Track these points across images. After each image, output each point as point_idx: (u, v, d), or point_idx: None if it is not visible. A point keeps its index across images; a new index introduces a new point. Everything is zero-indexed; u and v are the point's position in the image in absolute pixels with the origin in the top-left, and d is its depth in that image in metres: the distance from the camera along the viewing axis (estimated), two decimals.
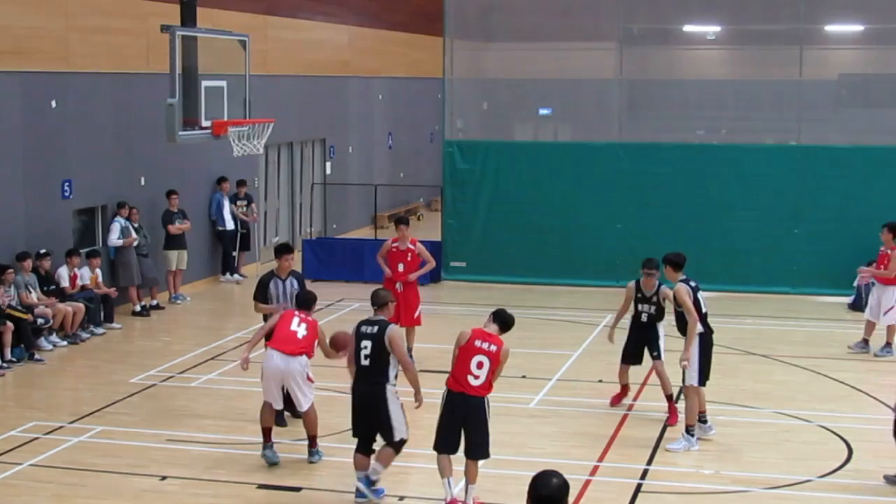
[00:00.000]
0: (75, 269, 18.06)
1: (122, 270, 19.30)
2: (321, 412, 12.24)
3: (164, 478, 11.54)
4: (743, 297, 20.78)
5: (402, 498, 11.04)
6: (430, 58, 31.75)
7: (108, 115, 19.51)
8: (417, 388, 10.83)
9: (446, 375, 10.64)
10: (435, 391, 10.89)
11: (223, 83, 15.49)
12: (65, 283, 17.85)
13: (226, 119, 15.38)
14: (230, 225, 22.73)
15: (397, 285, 15.90)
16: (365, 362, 10.76)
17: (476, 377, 10.37)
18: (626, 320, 14.01)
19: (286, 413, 13.10)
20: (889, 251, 16.76)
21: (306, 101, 26.38)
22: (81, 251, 18.45)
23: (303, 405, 11.85)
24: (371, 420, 10.82)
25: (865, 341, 17.04)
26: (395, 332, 10.85)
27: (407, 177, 32.46)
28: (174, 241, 20.69)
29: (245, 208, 23.09)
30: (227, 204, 22.69)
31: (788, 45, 22.32)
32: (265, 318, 12.95)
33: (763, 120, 24.38)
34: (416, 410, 10.94)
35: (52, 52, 18.15)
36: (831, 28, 24.08)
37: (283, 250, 13.47)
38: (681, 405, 13.41)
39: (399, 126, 32.30)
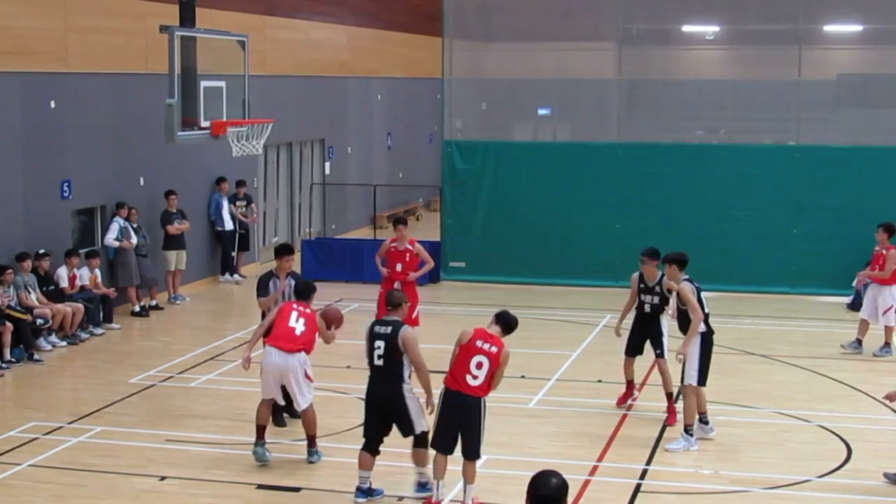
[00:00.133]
0: (74, 270, 18.05)
1: (122, 271, 19.30)
2: (320, 412, 12.24)
3: (163, 478, 11.54)
4: (742, 297, 20.78)
5: (401, 498, 11.04)
6: (428, 58, 31.75)
7: (107, 116, 19.51)
8: (429, 391, 10.80)
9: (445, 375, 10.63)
10: (435, 391, 10.87)
11: (222, 83, 15.49)
12: (64, 284, 17.85)
13: (225, 119, 15.38)
14: (229, 225, 22.73)
15: (396, 285, 15.89)
16: (378, 362, 10.81)
17: (475, 377, 10.37)
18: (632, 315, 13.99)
19: (285, 413, 13.11)
20: (885, 251, 16.77)
21: (305, 102, 26.38)
22: (80, 251, 18.44)
23: (301, 404, 11.84)
24: (386, 419, 10.89)
25: (859, 341, 17.04)
26: (409, 333, 10.82)
27: (406, 177, 32.46)
28: (173, 242, 20.69)
29: (244, 208, 23.09)
30: (226, 204, 22.69)
31: (787, 45, 22.33)
32: (263, 316, 12.94)
33: (762, 120, 24.40)
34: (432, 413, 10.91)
35: (51, 53, 18.14)
36: (830, 28, 24.10)
37: (283, 251, 13.46)
38: (680, 405, 13.41)
39: (398, 126, 32.30)
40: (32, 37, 17.75)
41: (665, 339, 13.63)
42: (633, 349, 13.90)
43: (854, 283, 19.80)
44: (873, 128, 23.62)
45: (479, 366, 10.37)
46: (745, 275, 21.35)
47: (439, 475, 10.65)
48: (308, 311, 11.98)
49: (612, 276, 21.40)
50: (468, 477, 10.54)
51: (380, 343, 10.80)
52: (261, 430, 11.90)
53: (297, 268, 15.22)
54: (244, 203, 23.11)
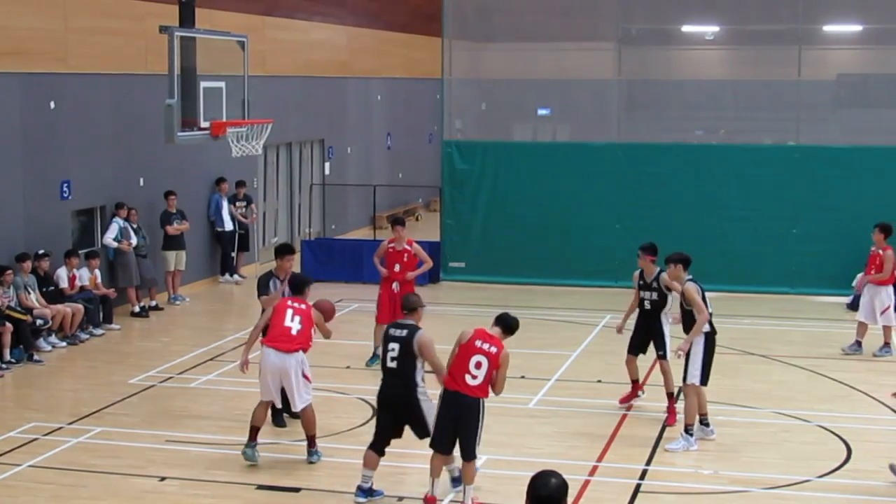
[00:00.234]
0: (74, 270, 18.05)
1: (121, 271, 19.30)
2: (319, 413, 12.24)
3: (163, 478, 11.54)
4: (741, 297, 20.78)
5: (400, 499, 11.04)
6: (428, 58, 31.75)
7: (107, 116, 19.51)
8: (441, 377, 10.81)
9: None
10: (435, 391, 10.88)
11: (222, 84, 15.49)
12: (64, 284, 17.85)
13: (224, 120, 15.38)
14: (229, 226, 22.74)
15: (394, 285, 15.91)
16: (391, 364, 10.79)
17: (474, 377, 10.37)
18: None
19: (285, 414, 13.10)
20: (881, 251, 16.79)
21: (305, 102, 26.38)
22: (80, 252, 18.44)
23: (297, 404, 11.80)
24: (398, 421, 10.90)
25: (858, 343, 17.03)
26: (425, 337, 10.76)
27: (406, 177, 32.46)
28: (172, 242, 20.69)
29: (244, 209, 23.09)
30: (225, 205, 22.69)
31: (787, 45, 22.33)
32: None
33: (762, 120, 24.40)
34: None
35: (51, 53, 18.15)
36: (830, 28, 24.10)
37: (284, 251, 13.46)
38: (680, 405, 13.42)
39: (398, 126, 32.31)
40: (32, 37, 17.75)
41: (668, 339, 13.61)
42: (635, 347, 13.88)
43: (854, 284, 19.79)
44: (873, 128, 23.62)
45: (478, 365, 10.37)
46: (744, 275, 21.35)
47: (435, 473, 10.68)
48: (303, 306, 11.92)
49: (611, 277, 21.41)
50: (466, 478, 10.55)
51: (394, 346, 10.78)
52: (254, 432, 11.87)
53: (296, 268, 15.21)
54: (244, 203, 23.11)
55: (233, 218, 22.81)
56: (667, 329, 13.63)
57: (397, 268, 15.93)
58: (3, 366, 15.92)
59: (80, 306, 17.66)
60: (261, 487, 11.34)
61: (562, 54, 23.76)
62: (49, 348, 16.99)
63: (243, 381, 14.37)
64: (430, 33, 30.86)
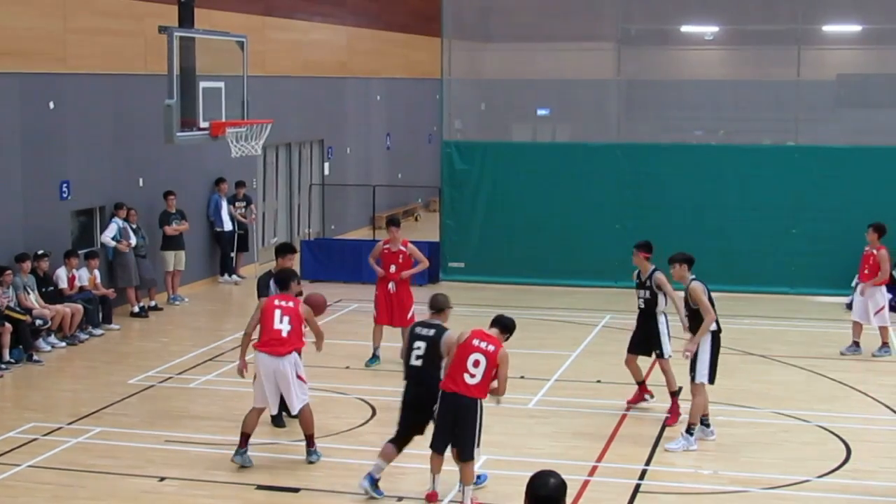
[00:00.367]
0: (73, 271, 18.05)
1: (121, 271, 19.29)
2: (319, 413, 12.24)
3: (162, 479, 11.54)
4: (741, 297, 20.77)
5: (400, 499, 11.04)
6: (428, 58, 31.76)
7: (107, 117, 19.51)
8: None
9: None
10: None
11: (221, 84, 15.48)
12: (63, 285, 17.85)
13: (224, 120, 15.37)
14: (228, 226, 22.73)
15: (390, 285, 15.93)
16: (416, 362, 10.82)
17: (472, 375, 10.38)
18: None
19: (284, 414, 13.09)
20: (875, 251, 16.80)
21: (304, 102, 26.38)
22: (80, 252, 18.44)
23: (295, 405, 11.78)
24: (420, 419, 10.89)
25: (856, 343, 17.02)
26: (452, 338, 10.78)
27: (405, 177, 32.46)
28: (171, 242, 20.69)
29: (244, 209, 23.09)
30: (225, 205, 22.69)
31: (786, 45, 22.33)
32: None
33: (761, 120, 24.40)
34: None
35: (50, 54, 18.14)
36: (829, 28, 24.10)
37: (285, 250, 13.45)
38: (686, 405, 13.42)
39: (397, 127, 32.30)
40: (31, 37, 17.75)
41: (664, 339, 13.56)
42: (634, 346, 13.86)
43: (854, 285, 19.77)
44: (872, 128, 23.63)
45: (476, 364, 10.39)
46: (744, 275, 21.34)
47: (435, 471, 10.71)
48: (290, 303, 11.82)
49: (611, 277, 21.40)
50: (464, 478, 10.56)
51: (420, 344, 10.83)
52: (244, 438, 11.81)
53: (296, 268, 15.17)
54: (243, 204, 23.11)
55: (232, 218, 22.81)
56: (663, 328, 13.59)
57: (393, 268, 15.94)
58: (3, 366, 15.92)
59: (80, 306, 17.65)
60: (260, 487, 11.34)
61: (561, 54, 23.76)
62: (48, 348, 16.99)
63: (242, 382, 14.33)
64: (430, 33, 30.86)
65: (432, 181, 29.33)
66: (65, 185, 18.51)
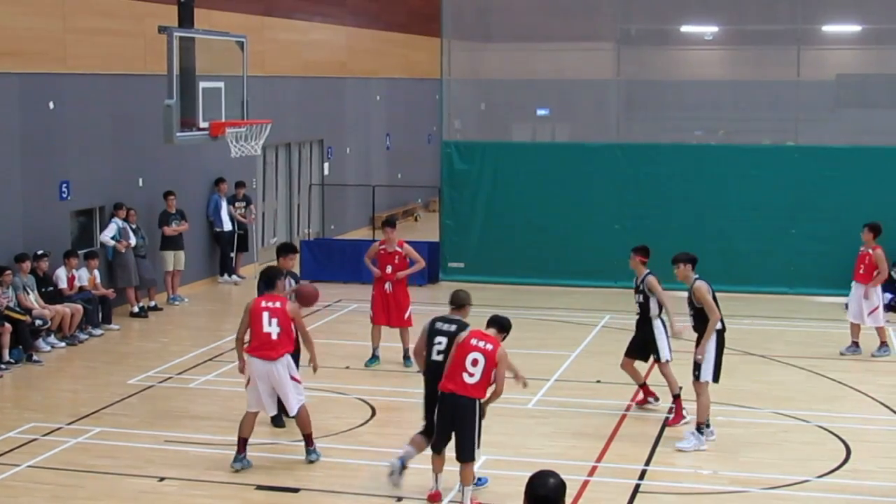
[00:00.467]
0: (73, 271, 18.05)
1: (120, 272, 19.29)
2: (318, 413, 12.26)
3: (162, 479, 11.54)
4: (740, 298, 20.76)
5: (400, 499, 11.04)
6: (427, 58, 31.77)
7: (106, 117, 19.51)
8: (515, 371, 11.11)
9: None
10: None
11: (221, 84, 15.47)
12: (63, 285, 17.84)
13: (223, 120, 15.37)
14: (228, 226, 22.73)
15: (386, 285, 15.94)
16: (438, 357, 10.87)
17: (471, 374, 10.39)
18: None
19: (283, 414, 13.08)
20: (871, 251, 16.80)
21: (304, 102, 26.38)
22: (79, 252, 18.44)
23: (293, 407, 11.77)
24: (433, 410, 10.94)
25: (855, 343, 17.01)
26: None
27: (405, 178, 32.45)
28: (170, 242, 20.69)
29: (243, 209, 23.09)
30: (224, 205, 22.68)
31: (786, 45, 22.34)
32: None
33: (761, 120, 24.42)
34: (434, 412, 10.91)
35: (50, 54, 18.14)
36: (829, 28, 24.11)
37: (286, 250, 13.47)
38: (690, 407, 13.43)
39: (397, 127, 32.30)
40: (31, 37, 17.75)
41: (661, 343, 13.48)
42: (629, 350, 13.86)
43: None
44: (872, 128, 23.63)
45: (475, 363, 10.40)
46: (743, 275, 21.33)
47: (436, 470, 10.74)
48: (277, 304, 11.72)
49: (610, 277, 21.39)
50: (463, 479, 10.57)
51: (441, 339, 10.88)
52: (242, 443, 11.79)
53: (295, 269, 15.19)
54: (243, 204, 23.11)
55: (232, 218, 22.80)
56: (659, 333, 13.51)
57: (389, 269, 15.95)
58: (3, 366, 15.92)
59: (79, 307, 17.65)
60: (260, 488, 11.34)
61: (561, 55, 23.77)
62: (48, 349, 16.99)
63: (242, 382, 14.34)
64: (429, 33, 30.86)
65: (432, 181, 29.34)
66: (64, 185, 18.51)
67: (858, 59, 25.26)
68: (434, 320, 11.17)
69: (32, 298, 17.02)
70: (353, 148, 29.45)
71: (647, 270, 13.56)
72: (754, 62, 24.56)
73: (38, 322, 16.79)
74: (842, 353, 16.98)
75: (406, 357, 15.99)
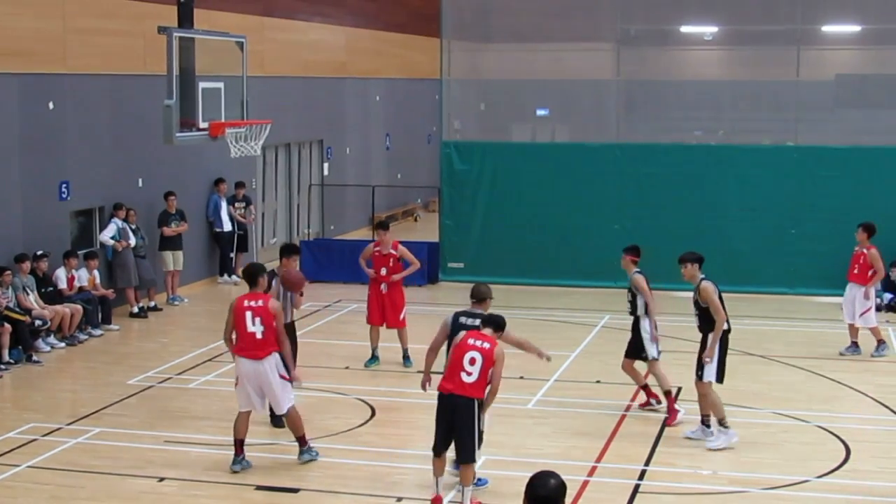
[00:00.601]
0: (73, 271, 18.05)
1: (120, 272, 19.29)
2: (318, 413, 12.26)
3: (162, 479, 11.54)
4: (740, 298, 20.72)
5: (399, 499, 11.04)
6: (427, 59, 31.77)
7: (106, 117, 19.51)
8: (534, 349, 11.62)
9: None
10: (433, 392, 10.88)
11: (220, 84, 15.48)
12: (62, 285, 17.85)
13: (223, 120, 15.38)
14: (227, 226, 22.73)
15: (382, 286, 15.95)
16: None
17: (469, 374, 10.39)
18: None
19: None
20: (865, 251, 16.82)
21: (304, 103, 26.38)
22: (79, 253, 18.44)
23: (283, 406, 11.73)
24: None
25: (855, 344, 17.02)
26: None
27: (404, 178, 32.46)
28: (169, 242, 20.68)
29: (243, 210, 23.09)
30: (224, 205, 22.69)
31: (786, 45, 22.34)
32: None
33: (760, 120, 24.41)
34: (430, 414, 10.91)
35: (50, 54, 18.15)
36: (828, 28, 24.10)
37: (289, 251, 13.45)
38: (686, 406, 13.43)
39: (396, 127, 32.31)
40: (31, 38, 17.75)
41: (647, 342, 13.55)
42: (628, 351, 13.92)
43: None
44: (872, 128, 23.62)
45: (473, 362, 10.41)
46: (743, 275, 21.31)
47: (437, 473, 10.69)
48: (260, 302, 11.62)
49: (610, 277, 21.35)
50: (463, 479, 10.56)
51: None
52: (239, 444, 11.78)
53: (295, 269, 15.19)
54: (243, 205, 23.11)
55: (232, 219, 22.81)
56: (645, 332, 13.59)
57: (384, 271, 15.98)
58: (2, 366, 15.92)
59: (79, 307, 17.66)
60: (259, 488, 11.34)
61: (560, 55, 23.77)
62: (48, 349, 16.99)
63: None
64: (429, 34, 30.87)
65: (432, 181, 29.34)
66: (64, 185, 18.51)
67: (858, 60, 25.25)
68: (457, 314, 11.19)
69: (32, 299, 17.02)
70: (353, 148, 29.45)
71: (637, 269, 13.63)
72: (754, 62, 24.55)
73: (37, 322, 16.79)
74: (841, 354, 16.98)
75: (405, 357, 16.00)
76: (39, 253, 17.40)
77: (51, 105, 18.17)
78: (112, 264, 19.32)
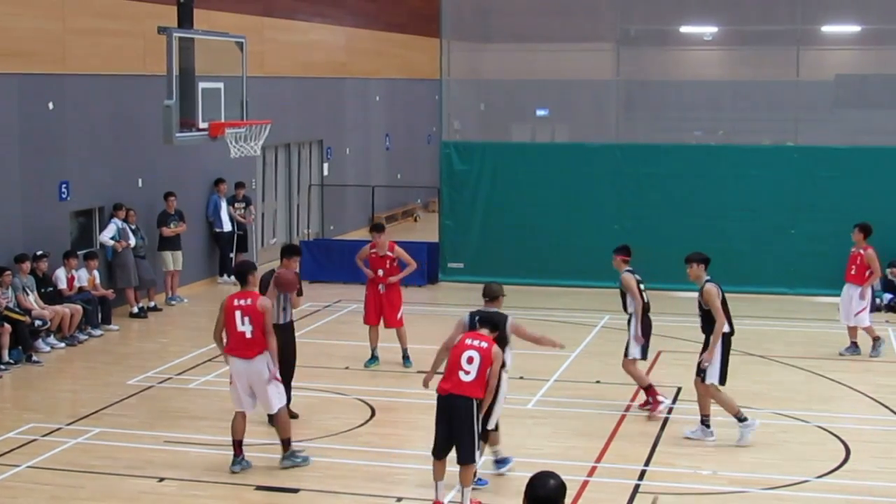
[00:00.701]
0: (73, 271, 18.05)
1: (120, 272, 19.29)
2: (318, 414, 12.26)
3: (161, 479, 11.54)
4: (740, 298, 20.66)
5: (399, 499, 11.04)
6: (427, 59, 31.77)
7: (106, 117, 19.51)
8: (548, 341, 11.58)
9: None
10: (433, 392, 10.87)
11: (220, 85, 15.48)
12: (62, 285, 17.84)
13: (223, 120, 15.38)
14: (227, 227, 22.73)
15: (380, 286, 15.97)
16: None
17: (467, 372, 10.39)
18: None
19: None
20: (862, 251, 16.83)
21: (303, 103, 26.38)
22: (79, 253, 18.44)
23: (272, 406, 11.69)
24: (491, 406, 11.02)
25: (854, 344, 17.03)
26: (516, 321, 11.22)
27: (404, 178, 32.46)
28: (168, 243, 20.67)
29: (243, 210, 23.08)
30: (224, 205, 22.68)
31: (785, 45, 22.34)
32: None
33: (760, 121, 24.42)
34: (430, 414, 10.91)
35: (50, 54, 18.14)
36: (828, 29, 24.11)
37: (290, 252, 13.43)
38: (686, 406, 13.42)
39: (396, 127, 32.31)
40: (31, 38, 17.75)
41: (630, 340, 13.73)
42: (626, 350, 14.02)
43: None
44: (871, 128, 23.63)
45: (470, 360, 10.42)
46: (743, 275, 21.29)
47: (437, 477, 10.64)
48: (249, 301, 11.56)
49: (610, 277, 21.13)
50: (463, 480, 10.54)
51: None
52: (237, 445, 11.77)
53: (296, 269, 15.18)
54: (243, 205, 23.10)
55: (231, 219, 22.80)
56: (631, 330, 13.76)
57: (381, 272, 15.98)
58: (2, 367, 15.92)
59: (79, 307, 17.65)
60: (259, 488, 11.34)
61: (560, 55, 23.77)
62: (48, 349, 16.99)
63: None
64: (429, 34, 30.87)
65: (431, 182, 29.33)
66: (64, 185, 18.51)
67: (857, 60, 25.27)
68: (472, 314, 11.22)
69: (32, 299, 17.02)
70: (353, 148, 29.45)
71: (627, 268, 13.74)
72: (754, 62, 24.56)
73: (37, 323, 16.79)
74: (841, 354, 16.98)
75: (405, 357, 16.01)
76: (39, 253, 17.40)
77: (51, 105, 18.17)
78: (112, 264, 19.32)
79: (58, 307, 17.29)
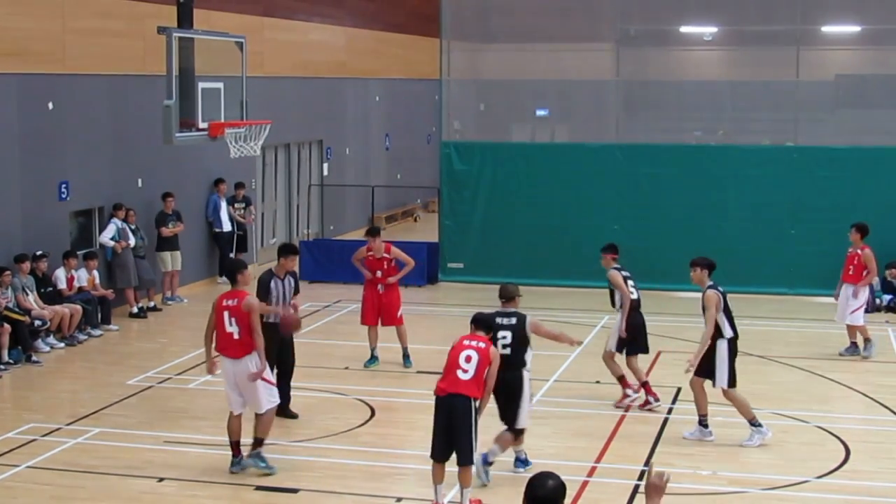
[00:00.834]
0: (72, 271, 18.04)
1: (119, 272, 19.29)
2: (318, 414, 12.25)
3: (161, 479, 11.54)
4: (739, 298, 20.59)
5: (399, 499, 11.04)
6: (426, 59, 31.76)
7: (105, 117, 19.50)
8: (567, 338, 12.01)
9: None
10: (430, 392, 10.87)
11: (220, 85, 15.49)
12: (62, 285, 17.84)
13: (223, 121, 15.38)
14: (227, 227, 22.71)
15: (378, 287, 15.97)
16: (504, 351, 11.14)
17: (465, 371, 10.41)
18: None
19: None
20: (859, 251, 16.84)
21: (303, 103, 26.37)
22: (79, 253, 18.43)
23: (261, 405, 11.61)
24: (513, 406, 11.28)
25: (854, 344, 17.04)
26: (535, 320, 11.57)
27: (404, 178, 32.45)
28: (166, 243, 20.66)
29: (243, 210, 23.08)
30: (223, 206, 22.66)
31: (785, 45, 22.34)
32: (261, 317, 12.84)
33: (760, 121, 24.40)
34: (429, 414, 10.91)
35: (49, 54, 18.14)
36: (828, 29, 24.11)
37: (287, 251, 13.46)
38: (685, 407, 13.42)
39: (396, 127, 32.30)
40: (30, 38, 17.74)
41: (613, 335, 14.06)
42: (627, 349, 14.09)
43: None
44: (871, 128, 23.63)
45: (468, 359, 10.46)
46: (742, 275, 21.26)
47: (437, 480, 10.61)
48: (235, 301, 11.49)
49: None
50: (463, 481, 10.52)
51: (505, 333, 11.23)
52: (235, 446, 11.75)
53: (295, 269, 15.18)
54: (242, 205, 23.09)
55: (231, 219, 22.79)
56: (615, 324, 14.09)
57: (379, 273, 15.99)
58: (2, 367, 15.91)
59: (79, 307, 17.65)
60: (259, 488, 11.34)
61: (560, 55, 23.77)
62: (47, 349, 16.98)
63: None
64: (429, 34, 30.86)
65: (431, 182, 29.32)
66: (64, 185, 18.51)
67: (857, 60, 25.26)
68: (492, 316, 11.27)
69: (31, 299, 17.02)
70: (353, 148, 29.45)
71: (614, 265, 14.05)
72: (753, 62, 24.55)
73: (37, 323, 16.79)
74: (841, 354, 16.99)
75: (405, 357, 16.01)
76: (39, 253, 17.39)
77: (50, 105, 18.17)
78: (111, 264, 19.31)
79: (57, 307, 17.29)
